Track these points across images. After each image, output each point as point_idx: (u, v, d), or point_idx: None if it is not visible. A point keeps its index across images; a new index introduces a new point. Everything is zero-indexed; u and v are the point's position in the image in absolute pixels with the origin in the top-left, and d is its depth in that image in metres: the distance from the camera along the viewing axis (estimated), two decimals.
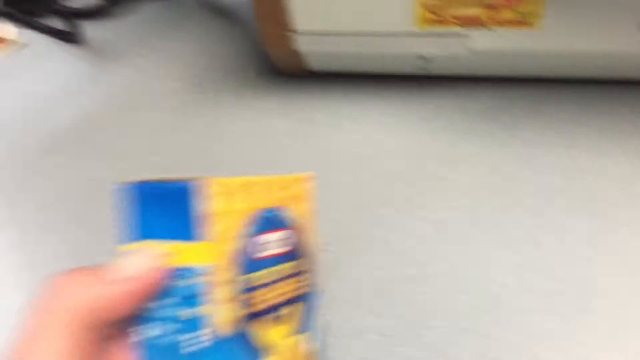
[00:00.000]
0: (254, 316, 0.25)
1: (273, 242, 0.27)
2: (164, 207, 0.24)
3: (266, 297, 0.26)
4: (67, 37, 0.47)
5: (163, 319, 0.23)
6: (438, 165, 0.39)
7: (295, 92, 0.42)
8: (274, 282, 0.27)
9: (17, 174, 0.42)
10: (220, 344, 0.23)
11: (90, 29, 0.48)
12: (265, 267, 0.26)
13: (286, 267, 0.27)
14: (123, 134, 0.43)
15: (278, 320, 0.27)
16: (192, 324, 0.23)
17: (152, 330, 0.24)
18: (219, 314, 0.23)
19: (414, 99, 0.41)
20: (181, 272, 0.23)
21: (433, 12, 0.34)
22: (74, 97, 0.45)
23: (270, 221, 0.26)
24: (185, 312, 0.23)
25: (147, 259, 0.24)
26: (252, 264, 0.25)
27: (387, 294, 0.34)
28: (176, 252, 0.23)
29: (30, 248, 0.39)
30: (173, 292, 0.23)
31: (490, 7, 0.33)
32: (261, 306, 0.25)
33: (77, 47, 0.47)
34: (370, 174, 0.38)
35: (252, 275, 0.25)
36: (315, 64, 0.41)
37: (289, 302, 0.27)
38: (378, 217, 0.37)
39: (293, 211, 0.28)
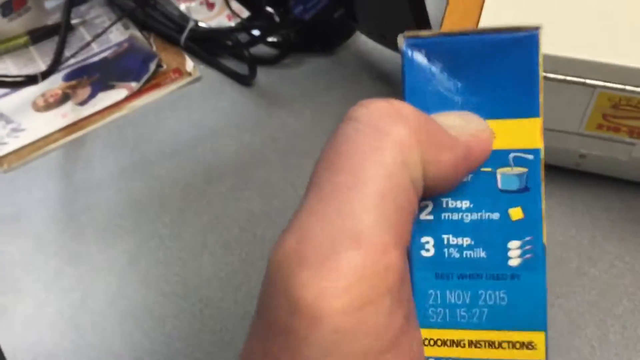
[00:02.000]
0: None
1: None
2: (493, 69, 0.18)
3: None
4: (241, 78, 0.52)
5: (475, 222, 0.18)
6: (579, 260, 0.40)
7: None
8: None
9: (180, 196, 0.46)
10: (544, 254, 0.18)
11: (261, 74, 0.52)
12: None
13: None
14: (278, 174, 0.47)
15: None
16: (517, 229, 0.18)
17: (458, 228, 0.18)
18: (544, 214, 0.18)
19: (563, 192, 0.43)
20: (513, 157, 0.18)
21: (606, 119, 0.36)
22: (238, 133, 0.49)
23: None
24: (514, 211, 0.18)
25: (478, 120, 0.18)
26: None
27: None
28: (503, 130, 0.18)
29: (189, 265, 0.43)
30: (495, 181, 0.18)
31: None
32: None
33: (246, 88, 0.52)
34: None
35: None
36: None
37: None
38: None
39: None
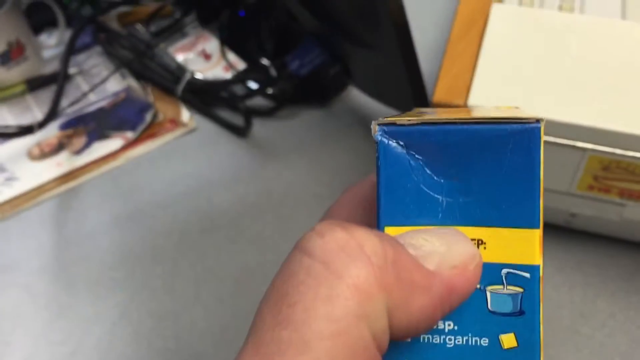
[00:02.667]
0: None
1: None
2: (484, 166, 0.15)
3: None
4: (236, 129, 0.52)
5: (460, 348, 0.15)
6: (571, 317, 0.40)
7: None
8: None
9: (174, 248, 0.46)
10: None
11: (256, 125, 0.53)
12: None
13: None
14: (272, 226, 0.47)
15: None
16: (510, 359, 0.15)
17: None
18: (542, 343, 0.15)
19: (555, 249, 0.43)
20: (506, 273, 0.15)
21: (597, 181, 0.36)
22: (233, 184, 0.50)
23: None
24: (506, 338, 0.15)
25: (464, 246, 0.15)
26: None
27: None
28: (495, 240, 0.15)
29: (181, 319, 0.42)
30: (484, 301, 0.15)
31: None
32: None
33: (242, 139, 0.52)
34: None
35: None
36: None
37: None
38: None
39: None
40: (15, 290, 0.44)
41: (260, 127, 0.53)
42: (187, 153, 0.52)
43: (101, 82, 0.54)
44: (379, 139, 0.16)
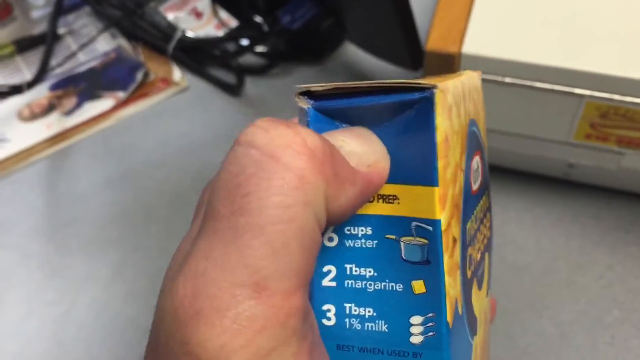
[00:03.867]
0: (466, 284, 0.18)
1: (477, 170, 0.20)
2: (391, 131, 0.17)
3: (475, 254, 0.19)
4: (229, 88, 0.51)
5: (379, 292, 0.17)
6: (568, 269, 0.40)
7: None
8: (478, 229, 0.20)
9: (167, 207, 0.46)
10: (448, 334, 0.16)
11: (249, 84, 0.52)
12: (474, 207, 0.19)
13: (482, 204, 0.21)
14: None
15: (479, 282, 0.20)
16: (420, 304, 0.16)
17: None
18: (448, 292, 0.16)
19: (552, 201, 0.42)
20: (414, 226, 0.16)
21: (594, 129, 0.36)
22: (226, 143, 0.49)
23: (473, 138, 0.19)
24: (417, 284, 0.16)
25: (375, 145, 0.17)
26: (468, 206, 0.18)
27: None
28: (406, 196, 0.17)
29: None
30: (399, 250, 0.17)
31: None
32: (472, 268, 0.19)
33: (235, 98, 0.51)
34: (498, 263, 0.40)
35: (468, 224, 0.18)
36: None
37: (482, 254, 0.21)
38: (501, 308, 0.39)
39: (479, 123, 0.21)
40: (7, 252, 0.44)
41: (253, 85, 0.52)
42: (179, 112, 0.51)
43: (90, 42, 0.53)
44: (307, 108, 0.17)
